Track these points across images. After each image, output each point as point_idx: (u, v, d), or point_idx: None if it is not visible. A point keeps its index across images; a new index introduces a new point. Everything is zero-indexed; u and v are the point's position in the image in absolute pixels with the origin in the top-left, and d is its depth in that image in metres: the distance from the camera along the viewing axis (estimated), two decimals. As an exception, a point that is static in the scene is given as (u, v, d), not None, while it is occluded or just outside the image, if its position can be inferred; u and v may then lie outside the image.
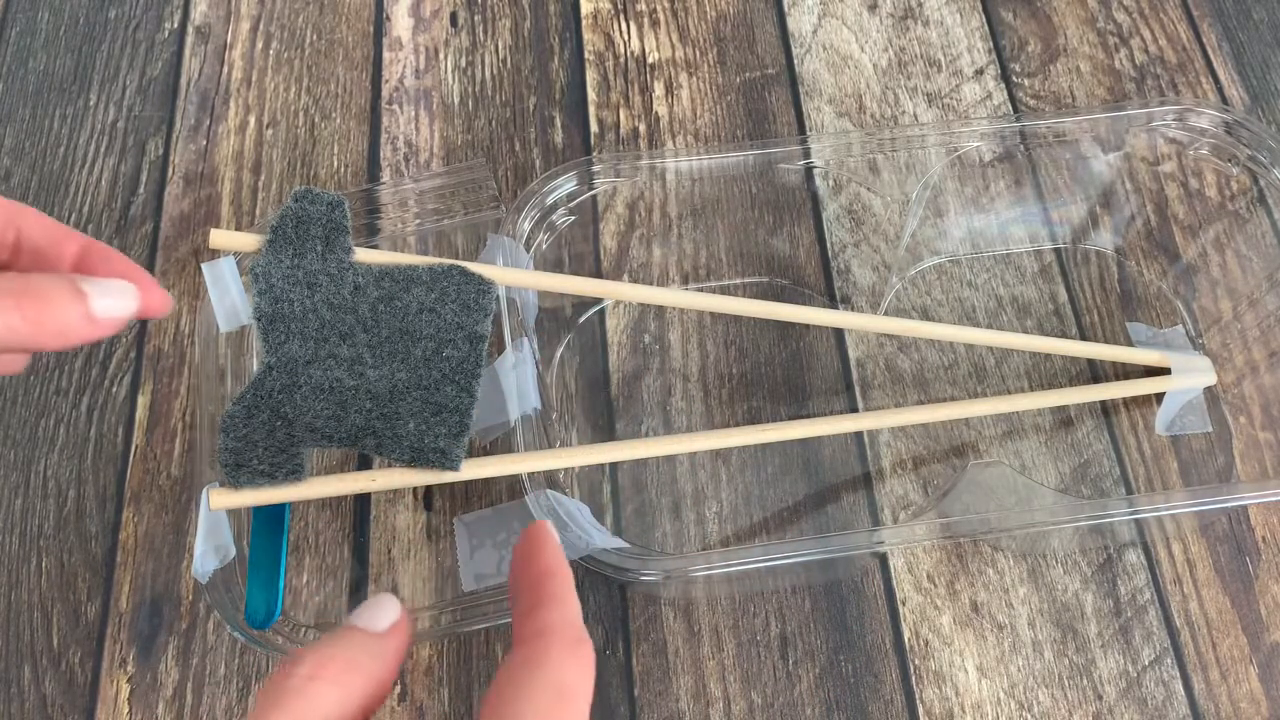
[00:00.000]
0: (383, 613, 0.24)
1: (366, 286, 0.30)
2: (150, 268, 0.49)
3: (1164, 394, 0.45)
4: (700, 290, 0.49)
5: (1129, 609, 0.42)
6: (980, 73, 0.54)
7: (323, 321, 0.29)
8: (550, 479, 0.36)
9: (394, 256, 0.32)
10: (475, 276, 0.31)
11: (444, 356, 0.30)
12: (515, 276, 0.37)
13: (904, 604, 0.42)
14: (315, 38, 0.56)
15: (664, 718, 0.40)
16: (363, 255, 0.32)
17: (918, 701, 0.41)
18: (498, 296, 0.32)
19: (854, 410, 0.46)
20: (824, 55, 0.55)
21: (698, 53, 0.55)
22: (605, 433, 0.45)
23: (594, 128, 0.53)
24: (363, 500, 0.44)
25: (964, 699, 0.41)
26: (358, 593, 0.42)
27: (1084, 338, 0.47)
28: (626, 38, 0.55)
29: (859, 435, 0.45)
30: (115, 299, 0.26)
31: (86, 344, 0.26)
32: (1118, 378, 0.46)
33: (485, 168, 0.42)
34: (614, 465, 0.44)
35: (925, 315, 0.48)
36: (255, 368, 0.39)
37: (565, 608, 0.24)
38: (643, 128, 0.53)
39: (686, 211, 0.49)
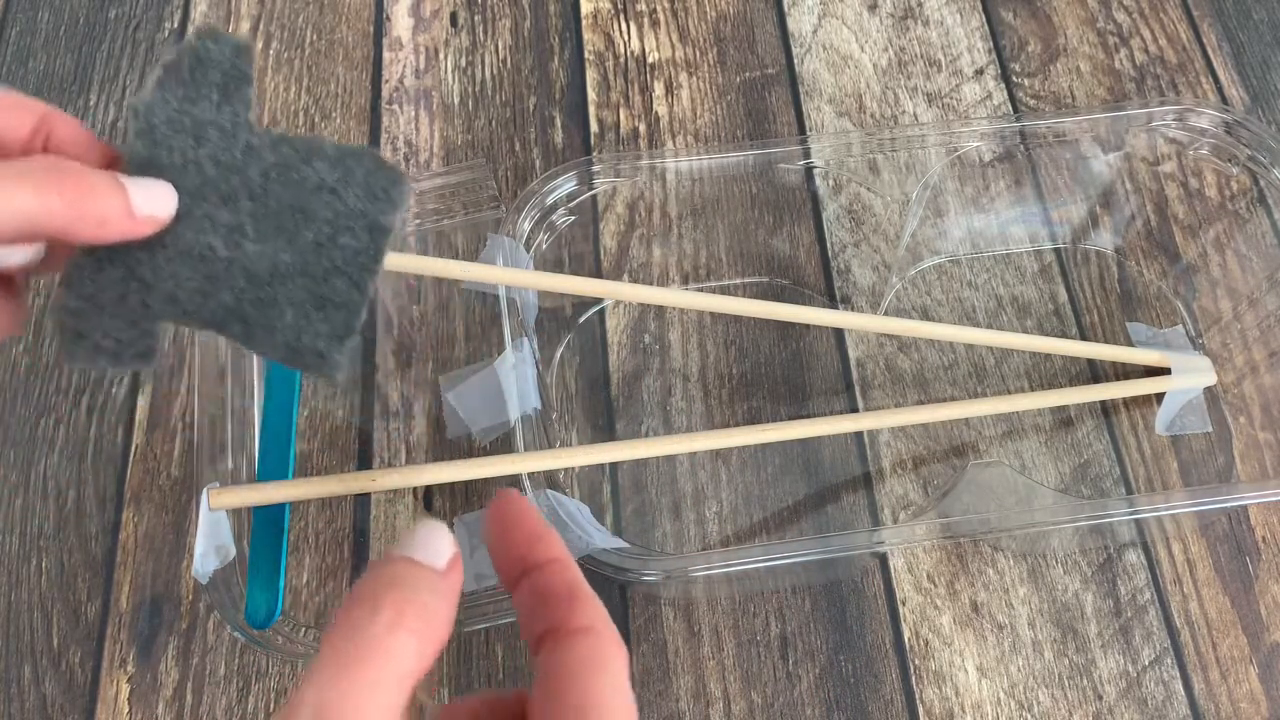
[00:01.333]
0: (441, 546, 0.21)
1: (261, 149, 0.27)
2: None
3: (1164, 394, 0.45)
4: (700, 290, 0.49)
5: (1129, 609, 0.42)
6: (980, 73, 0.54)
7: (204, 178, 0.26)
8: (550, 479, 0.36)
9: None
10: (389, 165, 0.28)
11: (339, 244, 0.26)
12: (515, 276, 0.37)
13: (904, 604, 0.42)
14: (315, 37, 0.56)
15: (664, 718, 0.40)
16: None
17: (918, 701, 0.41)
18: (409, 192, 0.29)
19: (854, 410, 0.46)
20: (824, 55, 0.55)
21: (698, 53, 0.55)
22: (605, 433, 0.45)
23: (594, 128, 0.53)
24: (363, 500, 0.44)
25: (964, 699, 0.41)
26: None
27: (1084, 338, 0.47)
28: (626, 38, 0.55)
29: (859, 435, 0.45)
30: (156, 197, 0.25)
31: (121, 239, 0.24)
32: (1118, 378, 0.46)
33: (485, 168, 0.42)
34: (614, 465, 0.44)
35: (925, 315, 0.48)
36: (261, 394, 0.39)
37: (599, 603, 0.22)
38: (643, 128, 0.53)
39: (686, 211, 0.49)
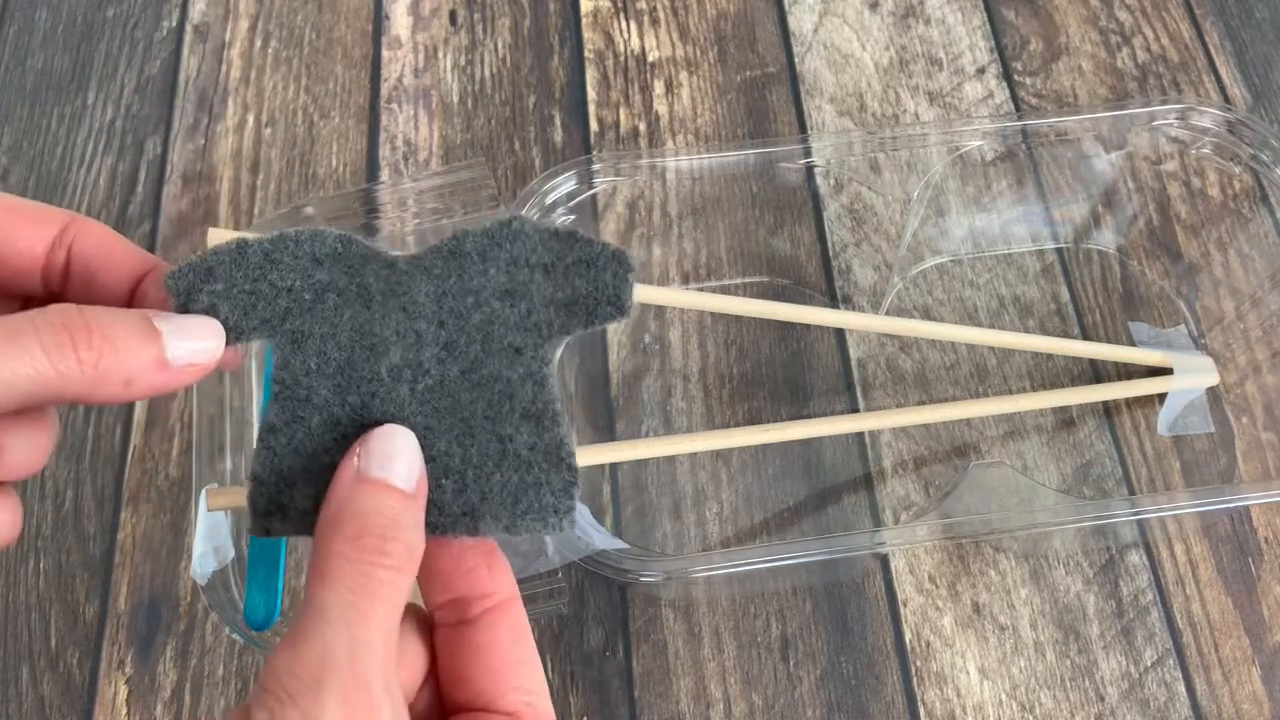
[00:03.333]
0: (413, 461, 0.21)
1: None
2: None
3: (1166, 394, 0.45)
4: (700, 290, 0.49)
5: (1131, 610, 0.42)
6: (982, 71, 0.54)
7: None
8: (550, 480, 0.36)
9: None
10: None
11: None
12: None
13: (905, 605, 0.42)
14: (314, 36, 0.55)
15: (664, 719, 0.40)
16: None
17: (919, 703, 0.40)
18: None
19: (855, 410, 0.46)
20: (825, 54, 0.55)
21: (698, 51, 0.55)
22: (605, 433, 0.45)
23: (594, 126, 0.52)
24: (362, 501, 0.44)
25: (965, 700, 0.40)
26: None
27: (1086, 338, 0.47)
28: (626, 36, 0.55)
29: (860, 436, 0.45)
30: (197, 340, 0.21)
31: (154, 394, 0.21)
32: (1120, 378, 0.46)
33: (484, 167, 0.42)
34: (614, 465, 0.44)
35: (927, 315, 0.48)
36: (260, 395, 0.38)
37: (508, 567, 0.23)
38: (643, 127, 0.52)
39: (687, 211, 0.49)
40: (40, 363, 0.19)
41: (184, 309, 0.22)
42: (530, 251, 0.23)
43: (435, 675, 0.23)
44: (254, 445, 0.23)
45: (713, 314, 0.48)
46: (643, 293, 0.41)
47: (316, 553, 0.20)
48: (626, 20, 0.56)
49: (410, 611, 0.23)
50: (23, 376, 0.19)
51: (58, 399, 0.20)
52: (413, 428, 0.22)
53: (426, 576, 0.23)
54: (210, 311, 0.22)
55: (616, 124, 0.53)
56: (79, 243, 0.23)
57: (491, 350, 0.23)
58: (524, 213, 0.41)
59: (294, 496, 0.22)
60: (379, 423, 0.22)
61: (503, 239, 0.23)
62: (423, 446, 0.22)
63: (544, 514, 0.23)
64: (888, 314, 0.48)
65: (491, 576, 0.23)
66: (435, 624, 0.23)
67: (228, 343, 0.22)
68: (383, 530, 0.20)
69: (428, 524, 0.22)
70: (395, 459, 0.21)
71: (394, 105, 0.53)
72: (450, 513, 0.23)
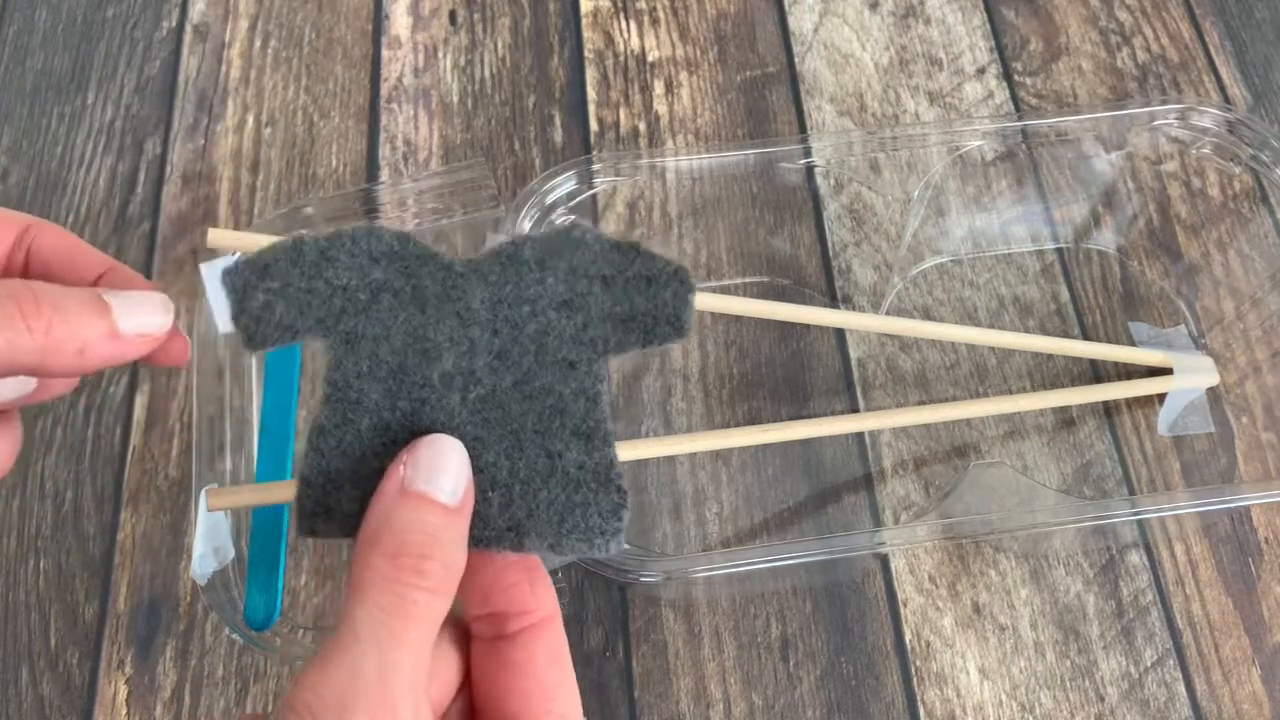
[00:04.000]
0: (459, 476, 0.21)
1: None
2: (148, 268, 0.49)
3: (1166, 394, 0.45)
4: (700, 290, 0.49)
5: (1131, 610, 0.42)
6: (982, 71, 0.54)
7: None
8: (550, 480, 0.36)
9: None
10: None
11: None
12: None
13: (905, 605, 0.42)
14: (314, 36, 0.55)
15: (664, 719, 0.40)
16: None
17: (919, 703, 0.40)
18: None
19: (855, 410, 0.46)
20: (825, 54, 0.55)
21: (698, 51, 0.55)
22: (605, 433, 0.45)
23: (594, 126, 0.52)
24: (362, 501, 0.44)
25: (965, 700, 0.40)
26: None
27: (1086, 338, 0.47)
28: (626, 36, 0.55)
29: (860, 436, 0.45)
30: (145, 315, 0.22)
31: (107, 367, 0.22)
32: (1120, 378, 0.46)
33: (484, 167, 0.42)
34: (614, 466, 0.44)
35: (927, 315, 0.48)
36: (260, 394, 0.38)
37: (551, 584, 0.22)
38: (643, 126, 0.52)
39: (687, 211, 0.49)
40: None
41: (240, 306, 0.22)
42: (590, 262, 0.22)
43: (469, 688, 0.22)
44: (304, 446, 0.22)
45: (713, 314, 0.48)
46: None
47: (355, 565, 0.20)
48: (626, 20, 0.56)
49: (448, 621, 0.23)
50: None
51: (9, 369, 0.20)
52: (462, 437, 0.22)
53: (466, 588, 0.22)
54: (267, 309, 0.22)
55: (616, 124, 0.53)
56: (38, 244, 0.23)
57: (545, 362, 0.22)
58: (522, 215, 0.41)
59: (340, 499, 0.22)
60: (429, 430, 0.22)
61: (563, 248, 0.22)
62: (471, 457, 0.22)
63: (590, 535, 0.23)
64: (888, 314, 0.48)
65: (533, 594, 0.22)
66: (473, 636, 0.23)
67: (284, 342, 0.22)
68: (422, 548, 0.20)
69: (472, 537, 0.22)
70: (441, 472, 0.21)
71: (394, 105, 0.53)
72: (495, 527, 0.22)
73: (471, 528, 0.22)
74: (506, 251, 0.23)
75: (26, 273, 0.23)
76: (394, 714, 0.18)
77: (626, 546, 0.37)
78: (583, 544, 0.23)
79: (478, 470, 0.22)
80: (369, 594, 0.19)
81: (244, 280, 0.22)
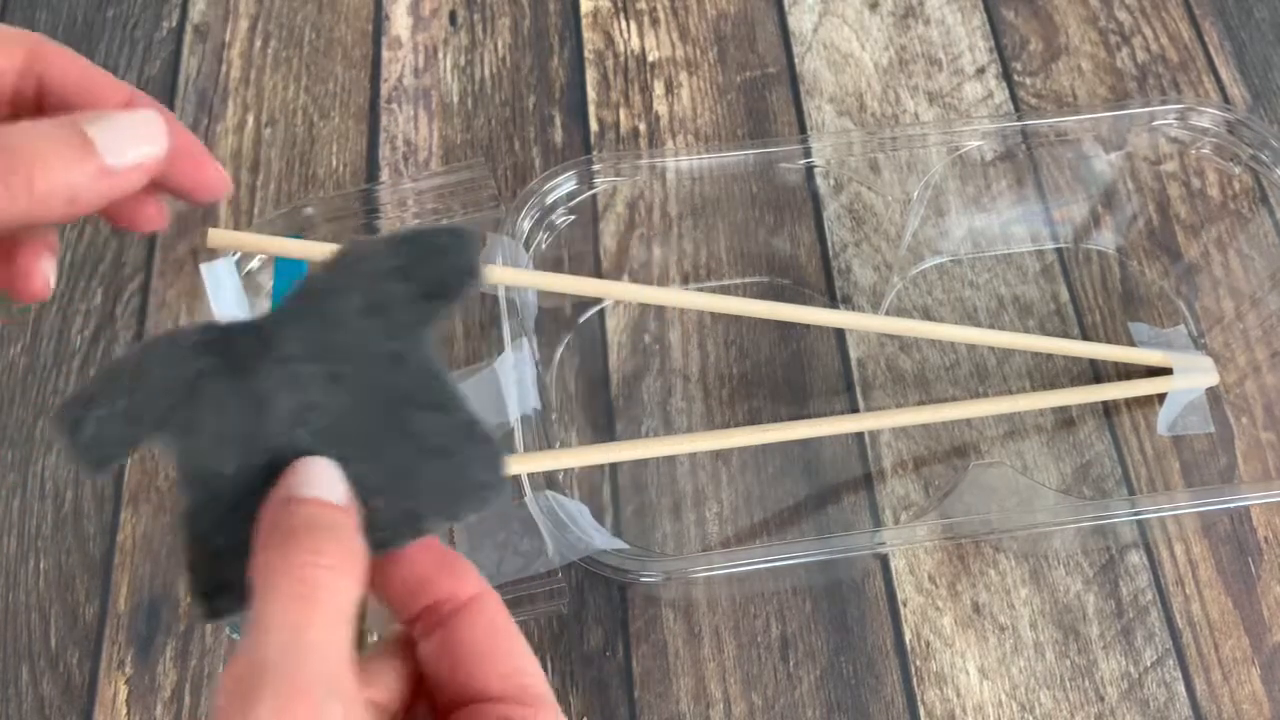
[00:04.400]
0: (335, 482, 0.21)
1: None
2: (148, 268, 0.49)
3: (1166, 394, 0.45)
4: (700, 290, 0.49)
5: (1131, 610, 0.42)
6: (982, 71, 0.54)
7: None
8: (550, 479, 0.36)
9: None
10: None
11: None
12: (515, 276, 0.37)
13: (905, 605, 0.42)
14: (314, 36, 0.55)
15: (664, 719, 0.40)
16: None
17: (919, 703, 0.40)
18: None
19: (855, 410, 0.46)
20: (825, 54, 0.55)
21: (698, 51, 0.55)
22: (605, 433, 0.45)
23: (594, 127, 0.52)
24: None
25: (965, 700, 0.40)
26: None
27: (1086, 338, 0.47)
28: (626, 36, 0.55)
29: (860, 436, 0.45)
30: (137, 140, 0.19)
31: (105, 204, 0.19)
32: (1120, 378, 0.46)
33: (484, 167, 0.42)
34: (614, 465, 0.44)
35: (926, 315, 0.48)
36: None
37: (471, 565, 0.22)
38: (643, 127, 0.53)
39: (686, 211, 0.49)
40: None
41: (74, 441, 0.21)
42: (378, 264, 0.23)
43: (429, 693, 0.22)
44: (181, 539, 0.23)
45: (713, 314, 0.48)
46: (643, 293, 0.42)
47: (254, 572, 0.20)
48: (626, 20, 0.56)
49: (388, 640, 0.23)
50: None
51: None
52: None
53: (389, 599, 0.23)
54: (99, 435, 0.22)
55: (616, 124, 0.53)
56: (49, 73, 0.21)
57: (374, 366, 0.23)
58: (522, 215, 0.41)
59: (233, 572, 0.21)
60: None
61: (346, 265, 0.23)
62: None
63: (478, 490, 0.23)
64: (887, 314, 0.48)
65: (452, 577, 0.22)
66: (415, 642, 0.22)
67: (124, 454, 0.22)
68: (315, 536, 0.20)
69: (374, 543, 0.22)
70: (315, 482, 0.21)
71: (394, 105, 0.53)
72: (390, 526, 0.22)
73: (371, 535, 0.22)
74: (298, 290, 0.23)
75: (40, 102, 0.21)
76: (305, 696, 0.18)
77: (626, 546, 0.37)
78: (475, 501, 0.23)
79: (352, 484, 0.22)
80: (270, 587, 0.19)
81: (74, 415, 0.22)
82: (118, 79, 0.22)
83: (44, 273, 0.22)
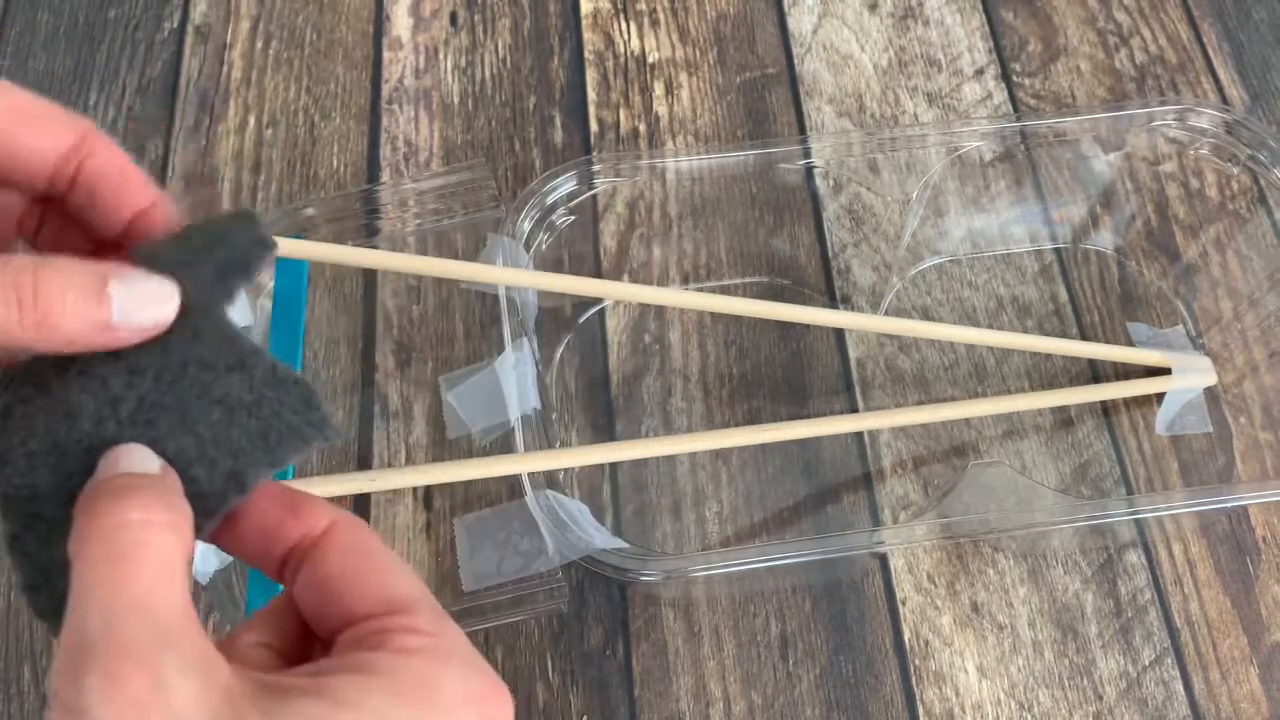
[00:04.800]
0: (146, 458, 0.21)
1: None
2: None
3: (1164, 394, 0.45)
4: (700, 290, 0.49)
5: (1129, 609, 0.42)
6: (981, 72, 0.54)
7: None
8: (550, 479, 0.36)
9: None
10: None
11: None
12: (515, 276, 0.37)
13: (904, 604, 0.42)
14: (315, 37, 0.56)
15: (664, 718, 0.40)
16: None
17: (918, 702, 0.41)
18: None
19: (854, 410, 0.46)
20: (824, 55, 0.55)
21: (698, 52, 0.55)
22: (605, 433, 0.45)
23: (594, 127, 0.53)
24: (362, 500, 0.44)
25: (964, 699, 0.41)
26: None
27: (1084, 338, 0.47)
28: (626, 37, 0.55)
29: (859, 435, 0.45)
30: (146, 307, 0.21)
31: (98, 349, 0.21)
32: (1118, 378, 0.46)
33: (485, 167, 0.42)
34: (614, 465, 0.44)
35: (926, 315, 0.48)
36: None
37: (318, 498, 0.22)
38: (643, 127, 0.53)
39: (686, 211, 0.49)
40: None
41: None
42: (169, 258, 0.23)
43: (313, 636, 0.22)
44: (11, 561, 0.22)
45: (713, 314, 0.48)
46: (643, 293, 0.42)
47: (71, 545, 0.19)
48: (626, 21, 0.56)
49: (272, 605, 0.22)
50: None
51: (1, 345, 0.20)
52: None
53: (250, 558, 0.22)
54: None
55: (616, 125, 0.53)
56: (91, 161, 0.23)
57: (172, 347, 0.23)
58: (522, 215, 0.41)
59: (66, 580, 0.21)
60: None
61: (140, 264, 0.23)
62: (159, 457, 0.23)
63: (296, 432, 0.23)
64: (887, 314, 0.48)
65: (301, 516, 0.22)
66: (289, 588, 0.22)
67: None
68: (127, 498, 0.19)
69: (206, 513, 0.22)
70: (124, 461, 0.21)
71: (395, 106, 0.53)
72: (217, 489, 0.23)
73: (202, 506, 0.22)
74: None
75: (72, 188, 0.23)
76: (133, 656, 0.17)
77: (626, 546, 0.38)
78: (295, 443, 0.23)
79: (171, 462, 0.23)
80: (83, 556, 0.18)
81: None
82: (148, 182, 0.23)
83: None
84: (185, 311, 0.23)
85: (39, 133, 0.22)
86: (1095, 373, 0.47)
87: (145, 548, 0.18)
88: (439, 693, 0.19)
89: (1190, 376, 0.45)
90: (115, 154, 0.23)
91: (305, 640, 0.22)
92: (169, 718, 0.17)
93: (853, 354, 0.47)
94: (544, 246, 0.43)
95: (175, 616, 0.18)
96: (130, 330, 0.21)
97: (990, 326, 0.48)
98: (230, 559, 0.35)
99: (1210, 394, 0.46)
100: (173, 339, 0.23)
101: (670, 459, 0.45)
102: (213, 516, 0.22)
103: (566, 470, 0.43)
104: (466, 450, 0.44)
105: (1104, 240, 0.50)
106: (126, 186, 0.23)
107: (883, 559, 0.43)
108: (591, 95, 0.54)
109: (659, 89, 0.54)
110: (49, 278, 0.20)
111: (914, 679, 0.41)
